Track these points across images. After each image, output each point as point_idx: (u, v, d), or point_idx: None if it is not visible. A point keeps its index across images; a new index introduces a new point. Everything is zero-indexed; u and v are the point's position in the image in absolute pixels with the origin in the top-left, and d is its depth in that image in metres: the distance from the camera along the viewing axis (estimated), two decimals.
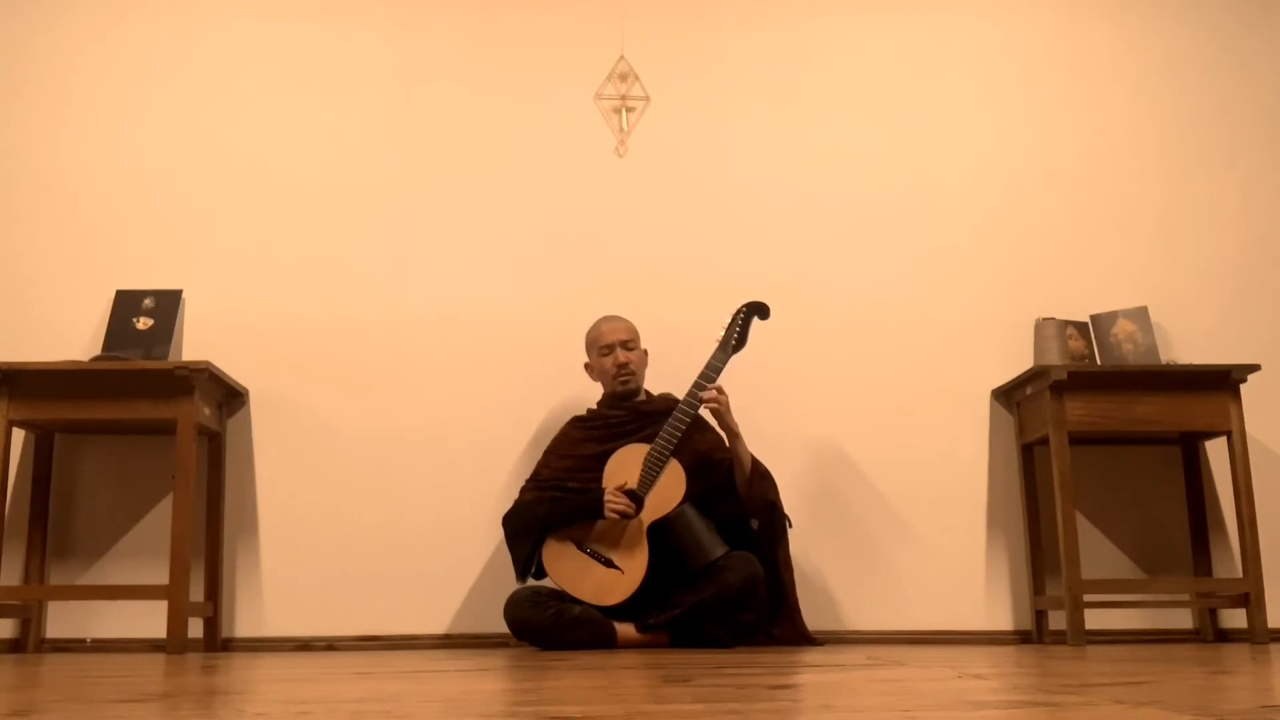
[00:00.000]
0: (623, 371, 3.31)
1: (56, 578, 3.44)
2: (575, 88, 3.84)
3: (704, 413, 3.25)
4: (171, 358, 3.40)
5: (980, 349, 3.71)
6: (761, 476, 3.25)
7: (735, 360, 3.25)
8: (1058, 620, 3.40)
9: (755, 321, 3.31)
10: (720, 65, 3.89)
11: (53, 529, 3.44)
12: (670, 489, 3.13)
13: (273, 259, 3.68)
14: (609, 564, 3.11)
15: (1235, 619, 3.49)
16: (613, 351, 3.32)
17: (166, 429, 3.26)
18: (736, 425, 3.23)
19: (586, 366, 3.41)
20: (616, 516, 3.10)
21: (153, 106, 3.75)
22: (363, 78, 3.82)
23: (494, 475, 3.54)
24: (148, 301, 3.49)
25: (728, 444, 3.26)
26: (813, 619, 3.38)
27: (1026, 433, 3.57)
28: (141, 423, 3.29)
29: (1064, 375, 3.32)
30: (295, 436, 3.57)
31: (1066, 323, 3.62)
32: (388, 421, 3.60)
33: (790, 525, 3.29)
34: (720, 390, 3.20)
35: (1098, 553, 3.58)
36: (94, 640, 3.40)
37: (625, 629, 3.04)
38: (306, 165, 3.75)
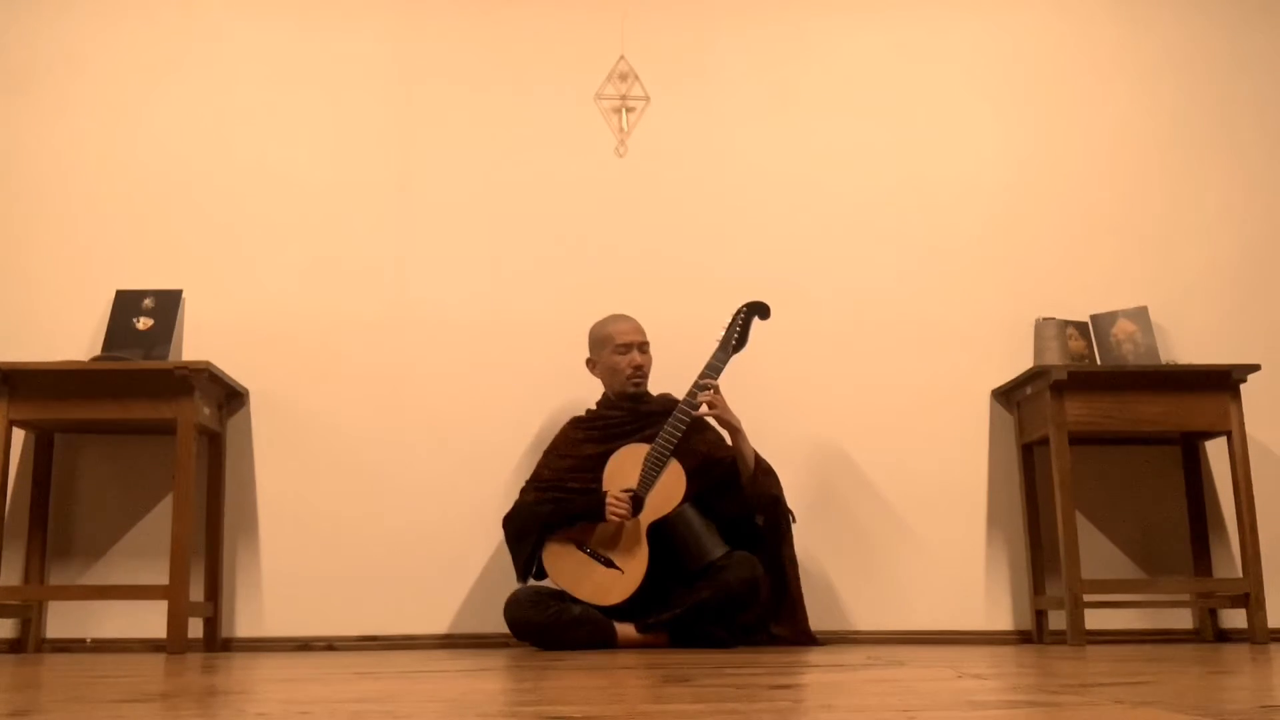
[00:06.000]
0: (637, 373, 3.31)
1: (56, 578, 3.44)
2: (575, 88, 3.84)
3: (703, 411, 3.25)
4: (171, 358, 3.40)
5: (980, 349, 3.71)
6: (765, 472, 3.25)
7: (736, 360, 3.25)
8: (1058, 620, 3.40)
9: (756, 321, 3.31)
10: (720, 65, 3.89)
11: (53, 529, 3.44)
12: (671, 489, 3.13)
13: (272, 259, 3.68)
14: (609, 564, 3.11)
15: (1235, 619, 3.49)
16: (629, 352, 3.31)
17: (166, 429, 3.26)
18: (737, 420, 3.23)
19: (589, 362, 3.40)
20: (617, 520, 3.10)
21: (153, 106, 3.75)
22: (363, 77, 3.82)
23: (494, 475, 3.54)
24: (148, 301, 3.49)
25: (729, 441, 3.27)
26: (813, 619, 3.37)
27: (1026, 433, 3.57)
28: (141, 423, 3.29)
29: (1064, 375, 3.32)
30: (295, 436, 3.57)
31: (1066, 323, 3.62)
32: (388, 421, 3.60)
33: (794, 520, 3.29)
34: (716, 391, 3.19)
35: (1098, 553, 3.58)
36: (94, 640, 3.40)
37: (625, 629, 3.05)
38: (306, 165, 3.75)
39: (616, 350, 3.31)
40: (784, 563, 3.25)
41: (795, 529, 3.31)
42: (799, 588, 3.27)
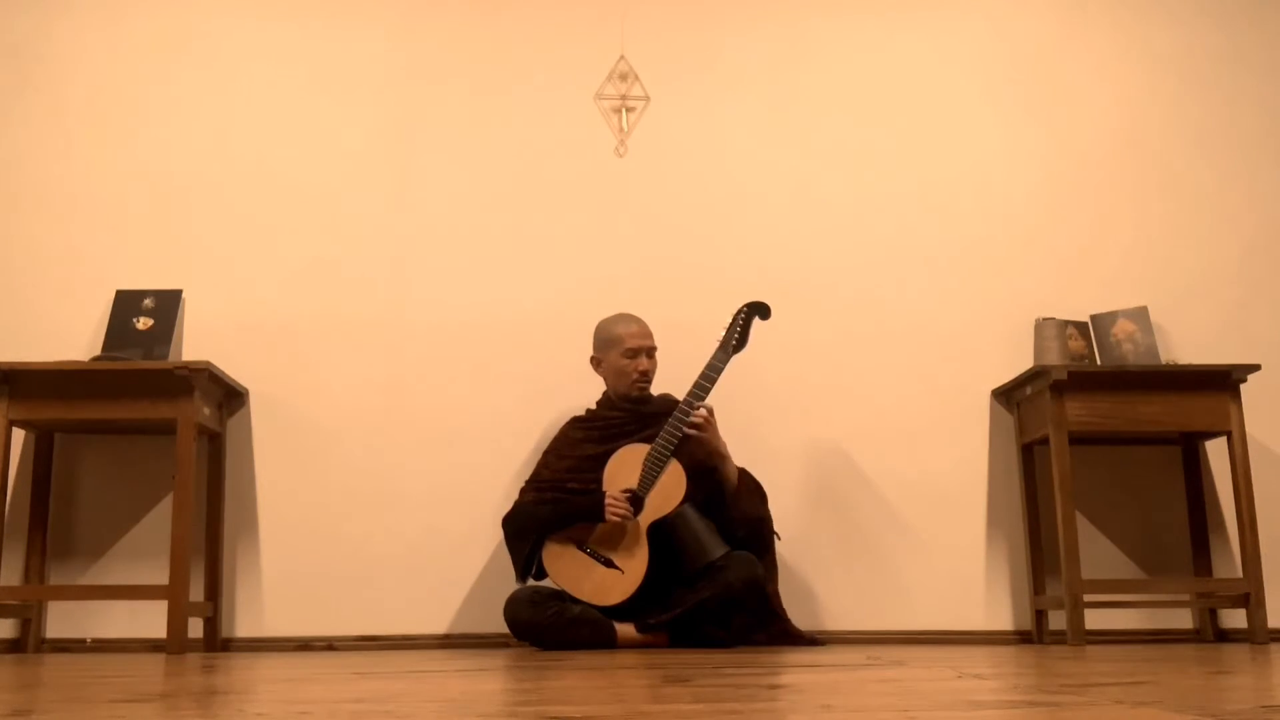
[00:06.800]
0: (643, 379, 3.31)
1: (56, 578, 3.44)
2: (575, 88, 3.84)
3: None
4: (171, 358, 3.40)
5: (980, 349, 3.71)
6: (750, 491, 3.24)
7: (736, 360, 3.25)
8: (1058, 620, 3.40)
9: (756, 321, 3.30)
10: (720, 65, 3.89)
11: (53, 529, 3.44)
12: (671, 489, 3.13)
13: (272, 259, 3.68)
14: (609, 564, 3.11)
15: (1235, 619, 3.49)
16: (638, 357, 3.30)
17: (166, 429, 3.26)
18: (724, 447, 3.22)
19: (593, 360, 3.39)
20: (616, 520, 3.09)
21: (153, 106, 3.75)
22: (363, 78, 3.82)
23: (494, 475, 3.54)
24: (148, 301, 3.49)
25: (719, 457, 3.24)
26: (812, 619, 3.38)
27: (1026, 433, 3.57)
28: (141, 423, 3.29)
29: (1064, 375, 3.32)
30: (295, 436, 3.57)
31: (1066, 323, 3.62)
32: (387, 421, 3.60)
33: (779, 538, 3.28)
34: (710, 413, 3.17)
35: (1098, 553, 3.58)
36: (94, 640, 3.40)
37: (625, 629, 3.04)
38: (307, 165, 3.75)
39: (625, 354, 3.31)
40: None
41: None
42: (780, 603, 3.27)
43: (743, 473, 3.27)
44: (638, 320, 3.36)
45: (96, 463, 3.52)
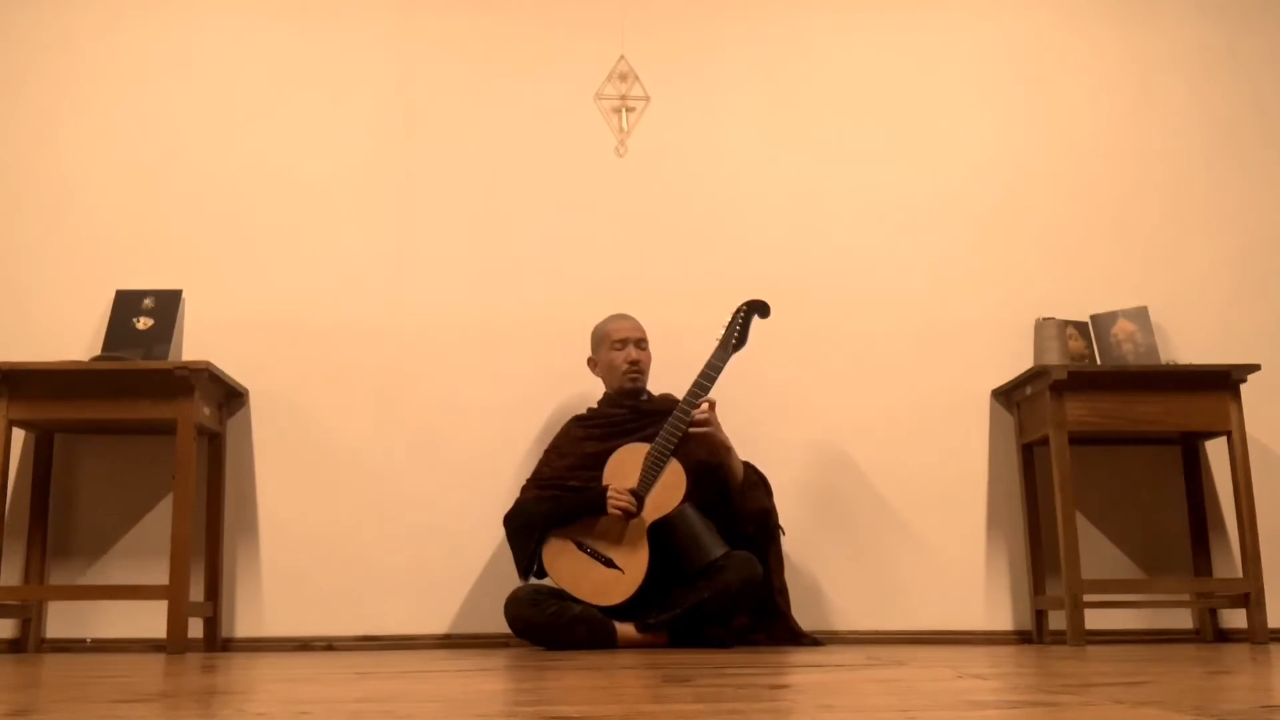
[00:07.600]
0: (633, 369, 3.31)
1: (56, 578, 3.44)
2: (575, 88, 3.84)
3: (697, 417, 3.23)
4: (171, 358, 3.40)
5: (980, 349, 3.71)
6: (753, 485, 3.24)
7: (735, 360, 3.25)
8: (1058, 620, 3.40)
9: (755, 320, 3.30)
10: (721, 65, 3.89)
11: (53, 529, 3.44)
12: (671, 488, 3.13)
13: (273, 259, 3.68)
14: (609, 564, 3.10)
15: (1235, 619, 3.49)
16: (625, 348, 3.31)
17: (166, 429, 3.26)
18: (727, 439, 3.22)
19: (590, 361, 3.41)
20: (619, 513, 3.09)
21: (153, 106, 3.75)
22: (363, 78, 3.82)
23: (494, 475, 3.53)
24: (148, 301, 3.49)
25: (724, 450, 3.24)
26: (812, 619, 3.37)
27: (1026, 433, 3.57)
28: (141, 423, 3.29)
29: (1064, 375, 3.32)
30: (295, 436, 3.57)
31: (1066, 323, 3.62)
32: (388, 421, 3.60)
33: (783, 534, 3.28)
34: (712, 406, 3.17)
35: (1098, 553, 3.58)
36: (94, 640, 3.40)
37: (625, 628, 3.04)
38: (307, 165, 3.75)
39: (613, 347, 3.33)
40: (769, 574, 3.22)
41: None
42: (786, 599, 3.26)
43: (747, 465, 3.28)
44: (626, 316, 3.38)
45: (96, 463, 3.52)
